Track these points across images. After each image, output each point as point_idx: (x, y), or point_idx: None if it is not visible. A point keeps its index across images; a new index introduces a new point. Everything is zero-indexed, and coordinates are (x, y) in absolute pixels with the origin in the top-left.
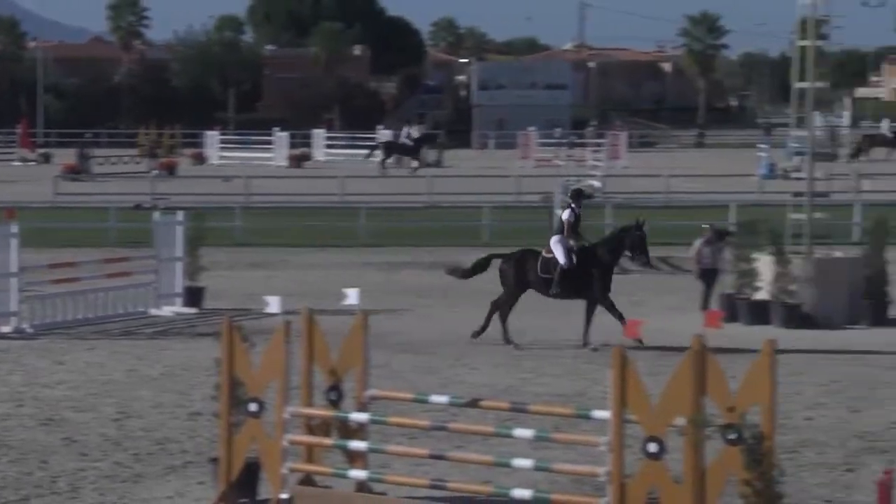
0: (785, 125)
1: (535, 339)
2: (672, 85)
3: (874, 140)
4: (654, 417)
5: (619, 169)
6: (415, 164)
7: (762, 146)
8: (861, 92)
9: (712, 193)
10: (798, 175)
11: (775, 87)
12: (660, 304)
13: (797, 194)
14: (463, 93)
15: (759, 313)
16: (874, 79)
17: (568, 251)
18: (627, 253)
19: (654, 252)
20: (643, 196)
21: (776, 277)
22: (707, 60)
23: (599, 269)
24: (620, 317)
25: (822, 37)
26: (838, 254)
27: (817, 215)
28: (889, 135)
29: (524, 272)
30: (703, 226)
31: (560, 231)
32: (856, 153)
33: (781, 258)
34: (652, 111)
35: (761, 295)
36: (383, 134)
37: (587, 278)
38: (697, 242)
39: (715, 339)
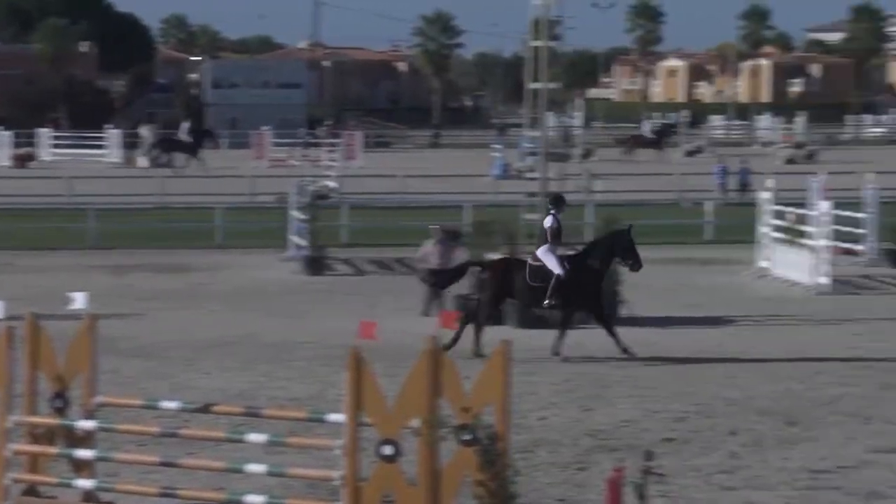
0: (519, 125)
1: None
2: (407, 84)
3: (636, 140)
4: (390, 420)
5: (354, 169)
6: (194, 161)
7: (496, 146)
8: (592, 92)
9: (447, 194)
10: (531, 175)
11: (509, 87)
12: (396, 305)
13: (531, 194)
14: (195, 91)
15: (494, 314)
16: (605, 79)
17: (560, 260)
18: (617, 259)
19: (390, 253)
20: (379, 196)
21: None
22: (441, 60)
23: (591, 278)
24: (613, 332)
25: (555, 37)
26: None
27: None
28: (650, 136)
29: (508, 281)
30: (431, 227)
31: (545, 239)
32: (587, 154)
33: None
34: (387, 111)
35: None
36: (145, 131)
37: (580, 288)
38: (426, 244)
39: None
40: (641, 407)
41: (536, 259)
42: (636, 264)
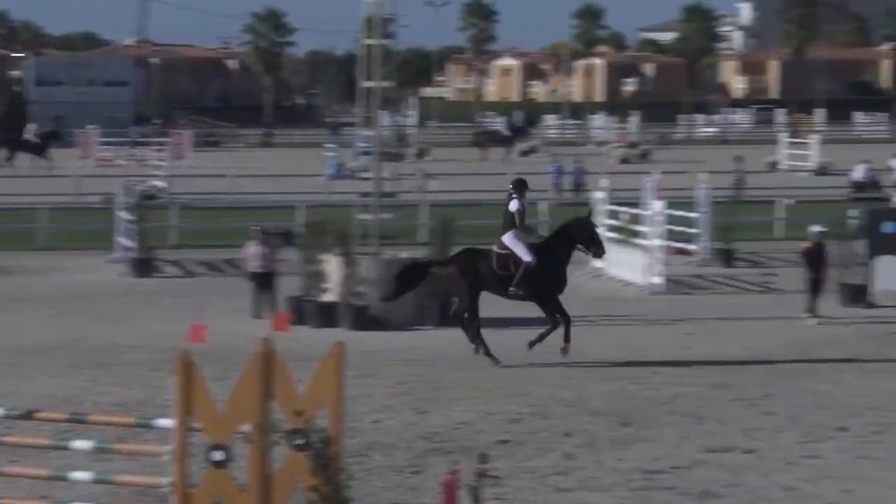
0: (352, 124)
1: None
2: (238, 83)
3: (491, 138)
4: (220, 424)
5: (183, 169)
6: (42, 162)
7: (330, 146)
8: (427, 91)
9: (280, 194)
10: (365, 175)
11: (342, 85)
12: (227, 307)
13: (364, 194)
14: (17, 88)
15: (327, 315)
16: (439, 78)
17: (528, 247)
18: (580, 246)
19: (220, 254)
20: (209, 197)
21: (344, 279)
22: (273, 58)
23: (555, 266)
24: (557, 324)
25: (388, 36)
26: (405, 254)
27: (384, 216)
28: (506, 132)
29: (478, 272)
30: (253, 227)
31: (511, 225)
32: (421, 153)
33: (349, 259)
34: (218, 109)
35: (329, 297)
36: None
37: (546, 277)
38: (249, 245)
39: (282, 343)
40: (476, 409)
41: (503, 247)
42: (599, 251)
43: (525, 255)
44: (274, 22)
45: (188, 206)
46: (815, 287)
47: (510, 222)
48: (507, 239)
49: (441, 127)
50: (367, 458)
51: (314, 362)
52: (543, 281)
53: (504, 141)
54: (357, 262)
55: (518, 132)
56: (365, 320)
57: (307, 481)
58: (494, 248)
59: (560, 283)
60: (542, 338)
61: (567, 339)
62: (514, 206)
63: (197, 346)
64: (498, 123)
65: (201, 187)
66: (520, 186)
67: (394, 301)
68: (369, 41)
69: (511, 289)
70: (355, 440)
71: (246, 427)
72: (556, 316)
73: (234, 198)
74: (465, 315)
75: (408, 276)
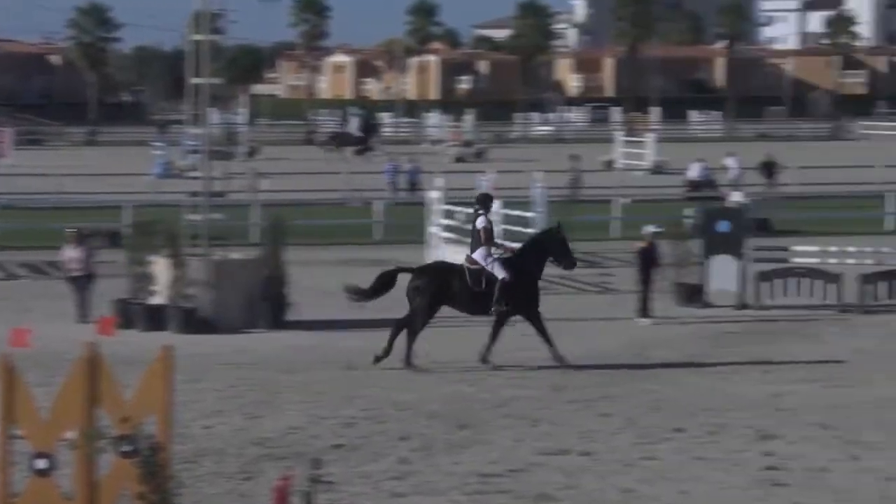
0: (180, 122)
1: None
2: (62, 79)
3: (343, 139)
4: (44, 432)
5: (5, 168)
6: None
7: (157, 144)
8: (258, 89)
9: (106, 194)
10: (194, 174)
11: (170, 82)
12: (52, 311)
13: (193, 194)
14: None
15: (156, 318)
16: (270, 75)
17: (501, 263)
18: (551, 258)
19: (44, 256)
20: (32, 196)
21: (172, 281)
22: (98, 54)
23: (530, 280)
24: (548, 337)
25: (217, 31)
26: (236, 255)
27: (214, 216)
28: (357, 133)
29: (446, 286)
30: (69, 230)
31: (480, 242)
32: (252, 152)
33: (178, 261)
34: (40, 107)
35: (158, 299)
36: None
37: (521, 291)
38: (67, 248)
39: (109, 347)
40: (310, 413)
41: (473, 262)
42: (570, 262)
43: (499, 273)
44: (98, 17)
45: (9, 207)
46: (647, 287)
47: (479, 239)
48: (478, 255)
49: (272, 125)
50: (197, 464)
51: (142, 367)
52: (520, 295)
53: (357, 141)
54: (186, 264)
55: (370, 132)
56: (194, 323)
57: (135, 489)
58: (465, 263)
59: (535, 297)
60: (551, 348)
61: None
62: (480, 222)
63: (19, 352)
64: (350, 123)
65: (23, 187)
66: (485, 201)
67: (365, 300)
68: (198, 37)
69: (493, 307)
70: (185, 446)
71: (71, 434)
72: (546, 330)
73: (59, 198)
74: (417, 322)
75: (378, 286)
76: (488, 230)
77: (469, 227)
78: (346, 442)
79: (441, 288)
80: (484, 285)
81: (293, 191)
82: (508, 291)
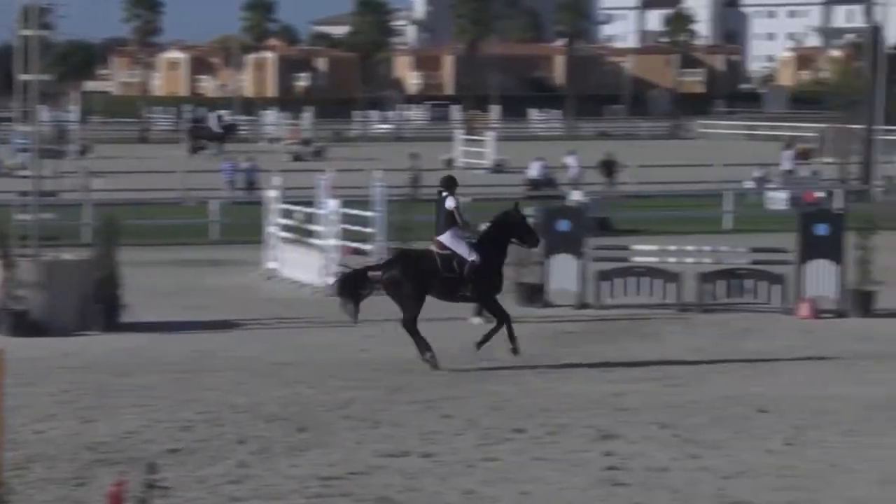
0: (9, 120)
1: None
2: None
3: (201, 134)
4: None
5: None
6: None
7: None
8: (90, 85)
9: None
10: (24, 173)
11: None
12: None
13: (23, 194)
14: None
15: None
16: (103, 72)
17: (469, 246)
18: (514, 240)
19: None
20: None
21: (2, 282)
22: None
23: (495, 263)
24: (501, 320)
25: (47, 26)
26: (68, 256)
27: (45, 216)
28: (217, 129)
29: (422, 275)
30: None
31: (450, 224)
32: (84, 150)
33: (7, 262)
34: None
35: None
36: None
37: (486, 275)
38: None
39: None
40: (145, 417)
41: (443, 247)
42: (534, 240)
43: (469, 255)
44: None
45: None
46: None
47: (449, 220)
48: (447, 239)
49: (105, 123)
50: (29, 470)
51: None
52: (484, 279)
53: (216, 137)
54: (16, 265)
55: (229, 129)
56: (25, 326)
57: None
58: (433, 248)
59: (499, 281)
60: (487, 338)
61: (512, 338)
62: (450, 203)
63: None
64: (210, 118)
65: None
66: (449, 183)
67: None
68: (26, 32)
69: (463, 291)
70: (16, 452)
71: None
72: (504, 312)
73: None
74: (409, 313)
75: (350, 287)
76: (458, 209)
77: (309, 226)
78: (182, 446)
79: (419, 278)
80: (455, 269)
81: (127, 190)
82: (477, 274)
